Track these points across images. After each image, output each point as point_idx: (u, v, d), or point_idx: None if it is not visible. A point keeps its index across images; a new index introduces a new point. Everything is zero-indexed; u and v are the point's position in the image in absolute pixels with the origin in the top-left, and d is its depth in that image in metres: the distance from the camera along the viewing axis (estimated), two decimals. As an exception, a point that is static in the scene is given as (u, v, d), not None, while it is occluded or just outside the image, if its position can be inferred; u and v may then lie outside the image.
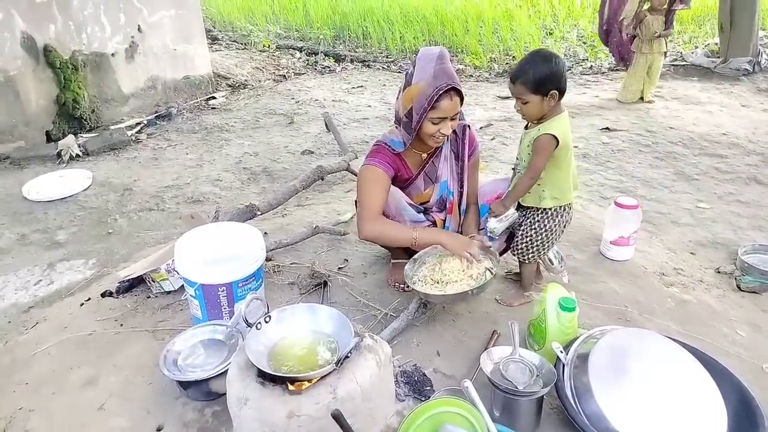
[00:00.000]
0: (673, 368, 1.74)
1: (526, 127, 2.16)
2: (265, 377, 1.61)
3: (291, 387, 1.59)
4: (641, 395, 1.64)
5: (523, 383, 1.72)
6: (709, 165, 3.86)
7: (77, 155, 4.23)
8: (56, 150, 4.27)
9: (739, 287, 2.56)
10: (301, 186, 3.20)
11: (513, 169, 2.31)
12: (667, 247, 2.92)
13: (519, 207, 2.27)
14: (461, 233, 2.39)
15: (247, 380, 1.62)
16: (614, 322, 2.27)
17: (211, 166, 4.10)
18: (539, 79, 1.96)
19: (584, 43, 7.40)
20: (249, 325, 1.78)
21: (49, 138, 4.73)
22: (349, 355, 1.66)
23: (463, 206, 2.40)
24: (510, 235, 2.39)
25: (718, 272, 2.70)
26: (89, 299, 2.54)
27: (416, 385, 1.93)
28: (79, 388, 2.00)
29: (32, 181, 3.83)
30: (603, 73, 6.35)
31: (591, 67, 6.63)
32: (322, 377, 1.61)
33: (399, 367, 2.03)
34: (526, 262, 2.32)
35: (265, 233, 3.00)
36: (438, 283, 2.14)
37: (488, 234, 2.25)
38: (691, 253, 2.88)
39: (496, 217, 2.23)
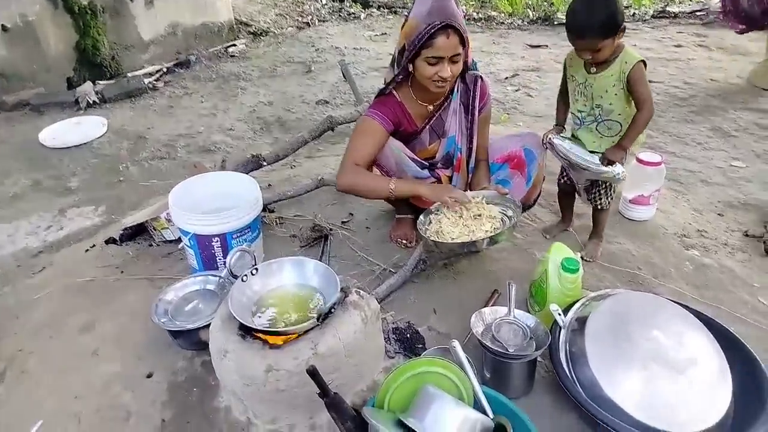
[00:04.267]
0: (677, 336, 1.62)
1: (590, 72, 2.04)
2: (246, 331, 1.58)
3: (272, 341, 1.56)
4: (639, 363, 1.54)
5: (514, 346, 1.64)
6: (749, 120, 3.57)
7: (94, 102, 4.22)
8: (74, 97, 4.27)
9: (767, 252, 2.38)
10: (310, 137, 3.11)
11: (578, 122, 2.18)
12: (693, 208, 2.73)
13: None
14: (471, 189, 2.27)
15: (228, 333, 1.60)
16: (625, 286, 2.16)
17: (225, 115, 4.04)
18: (608, 22, 1.88)
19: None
20: (235, 277, 1.74)
21: (71, 85, 4.73)
22: (332, 310, 1.61)
23: (472, 163, 2.27)
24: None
25: (746, 235, 2.51)
26: (94, 246, 2.56)
27: (408, 343, 1.88)
28: (76, 332, 2.03)
29: (49, 127, 3.85)
30: (645, 20, 5.93)
31: (634, 14, 6.19)
32: (305, 332, 1.57)
33: (392, 323, 1.98)
34: (605, 208, 2.27)
35: (269, 185, 2.95)
36: (454, 228, 1.99)
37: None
38: (719, 214, 2.69)
39: (619, 163, 2.08)
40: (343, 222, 2.59)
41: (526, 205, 2.39)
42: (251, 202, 2.14)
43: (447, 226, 1.97)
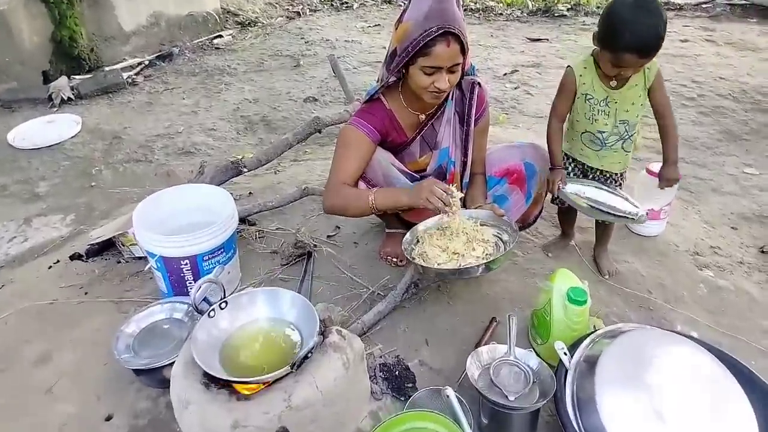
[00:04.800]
0: (698, 383, 1.44)
1: (612, 87, 1.82)
2: (211, 378, 1.40)
3: (240, 390, 1.37)
4: (656, 413, 1.36)
5: (515, 392, 1.46)
6: (761, 123, 3.38)
7: (69, 98, 3.99)
8: (47, 92, 4.03)
9: (786, 271, 2.21)
10: (295, 140, 2.90)
11: (598, 144, 1.93)
12: (704, 220, 2.55)
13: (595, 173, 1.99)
14: (465, 207, 2.07)
15: (191, 379, 1.41)
16: (635, 312, 1.98)
17: (207, 113, 3.81)
18: (664, 34, 1.65)
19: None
20: (200, 312, 1.55)
21: (47, 79, 4.50)
22: (309, 355, 1.42)
23: (467, 178, 2.06)
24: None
25: (763, 252, 2.34)
26: (58, 261, 2.36)
27: (396, 381, 1.69)
28: (30, 365, 1.84)
29: (19, 127, 3.62)
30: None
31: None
32: (277, 380, 1.38)
33: (380, 357, 1.79)
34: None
35: (250, 193, 2.75)
36: (442, 254, 1.80)
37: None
38: (733, 227, 2.51)
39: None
40: (328, 236, 2.40)
41: (526, 223, 2.20)
42: (225, 219, 1.94)
43: (432, 251, 1.77)
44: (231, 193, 2.70)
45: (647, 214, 1.85)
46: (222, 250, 1.95)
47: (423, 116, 1.98)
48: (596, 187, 1.87)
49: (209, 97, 4.06)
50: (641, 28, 1.61)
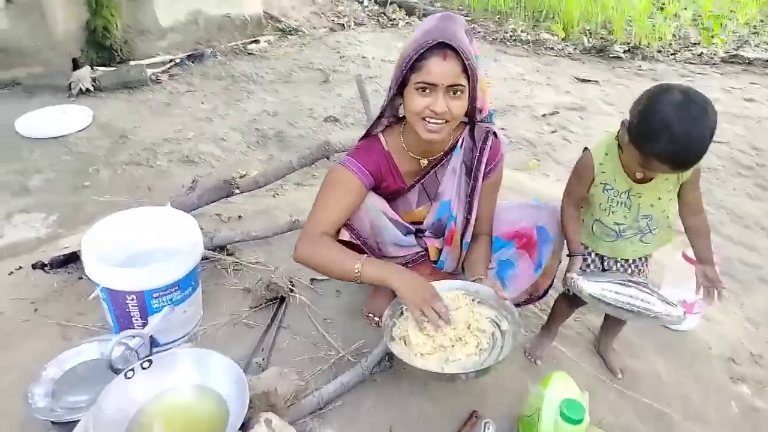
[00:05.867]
0: None
1: (637, 180, 1.51)
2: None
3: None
4: None
5: None
6: (827, 205, 2.97)
7: (87, 90, 3.88)
8: (68, 81, 3.95)
9: (841, 397, 1.83)
10: (299, 164, 2.67)
11: (613, 235, 1.64)
12: (746, 317, 2.19)
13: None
14: (463, 271, 1.79)
15: (85, 458, 1.18)
16: (647, 425, 1.67)
17: (222, 121, 3.63)
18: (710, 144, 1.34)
19: (699, 24, 6.22)
20: (116, 371, 1.32)
21: (76, 66, 4.43)
22: (225, 450, 1.16)
23: (468, 237, 1.78)
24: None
25: (814, 367, 1.96)
26: (20, 268, 2.19)
27: (343, 480, 1.42)
28: (-53, 393, 1.64)
29: (28, 114, 3.52)
30: (714, 63, 5.27)
31: (701, 54, 5.54)
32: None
33: (331, 442, 1.52)
34: None
35: (240, 216, 2.52)
36: (427, 341, 1.49)
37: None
38: (781, 331, 2.14)
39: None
40: (312, 280, 2.14)
41: (534, 296, 1.90)
42: (184, 254, 1.71)
43: (416, 336, 1.49)
44: (218, 215, 2.54)
45: (684, 312, 1.52)
46: (177, 288, 1.72)
47: (425, 161, 1.72)
48: (620, 282, 1.54)
49: (228, 104, 3.89)
50: (683, 139, 1.29)
